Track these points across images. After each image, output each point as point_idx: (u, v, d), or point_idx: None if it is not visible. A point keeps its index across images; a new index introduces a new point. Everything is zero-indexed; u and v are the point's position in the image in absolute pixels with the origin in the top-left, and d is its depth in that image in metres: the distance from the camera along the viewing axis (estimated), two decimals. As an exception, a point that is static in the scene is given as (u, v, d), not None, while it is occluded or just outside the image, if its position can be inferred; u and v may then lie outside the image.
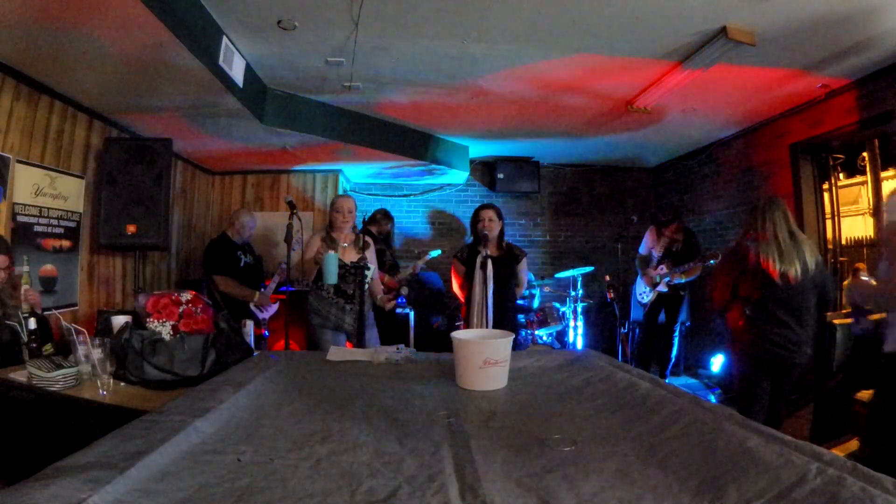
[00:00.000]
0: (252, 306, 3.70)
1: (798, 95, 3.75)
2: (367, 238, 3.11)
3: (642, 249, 4.76)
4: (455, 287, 3.34)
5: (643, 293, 4.70)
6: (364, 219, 4.04)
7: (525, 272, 3.35)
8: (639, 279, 4.76)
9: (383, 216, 4.83)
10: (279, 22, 2.69)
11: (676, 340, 4.73)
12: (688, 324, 5.01)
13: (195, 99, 3.16)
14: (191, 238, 4.97)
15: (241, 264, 3.83)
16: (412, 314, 4.67)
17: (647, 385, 1.45)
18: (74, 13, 2.15)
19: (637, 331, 5.03)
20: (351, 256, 3.00)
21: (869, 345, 2.73)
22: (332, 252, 2.79)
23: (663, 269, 4.47)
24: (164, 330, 1.88)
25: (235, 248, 3.83)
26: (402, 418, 1.29)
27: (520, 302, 4.40)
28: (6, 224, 2.72)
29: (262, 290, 3.77)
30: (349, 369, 1.87)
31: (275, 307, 3.92)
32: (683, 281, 4.36)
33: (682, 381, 4.67)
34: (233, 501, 0.85)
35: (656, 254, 4.60)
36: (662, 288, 4.47)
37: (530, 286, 4.69)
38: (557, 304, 4.80)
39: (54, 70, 2.73)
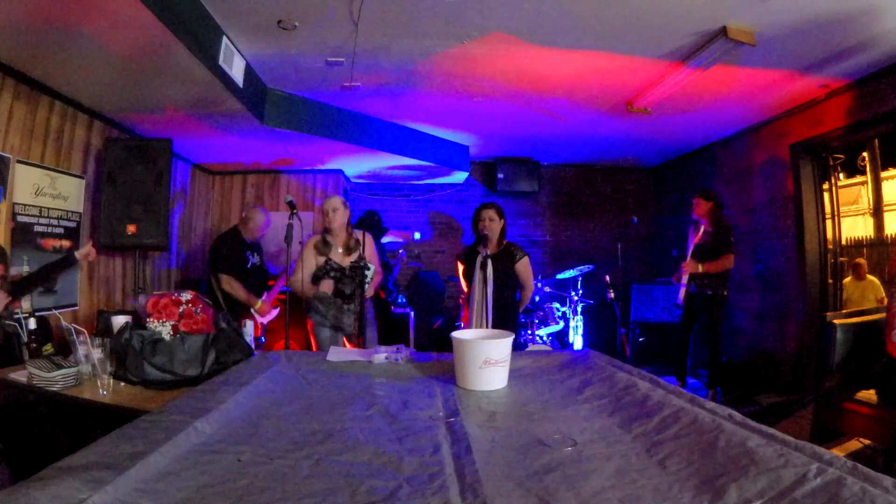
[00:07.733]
0: (252, 311, 3.69)
1: (798, 95, 3.75)
2: (358, 237, 3.10)
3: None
4: (463, 285, 3.32)
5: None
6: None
7: (528, 274, 3.14)
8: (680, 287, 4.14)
9: (368, 217, 4.88)
10: (279, 22, 2.69)
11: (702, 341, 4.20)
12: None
13: (195, 99, 3.16)
14: (191, 238, 4.96)
15: (249, 265, 3.78)
16: (412, 314, 4.67)
17: (647, 385, 1.45)
18: (74, 13, 2.15)
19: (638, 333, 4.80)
20: (348, 257, 3.04)
21: (869, 344, 2.73)
22: None
23: (682, 268, 3.97)
24: (164, 330, 1.88)
25: (245, 246, 3.76)
26: (402, 418, 1.29)
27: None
28: (6, 224, 2.72)
29: (264, 297, 3.76)
30: (349, 369, 1.87)
31: (275, 312, 3.90)
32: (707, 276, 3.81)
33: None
34: (233, 501, 0.85)
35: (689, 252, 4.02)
36: (692, 288, 3.94)
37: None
38: (557, 305, 4.80)
39: (54, 70, 2.73)
